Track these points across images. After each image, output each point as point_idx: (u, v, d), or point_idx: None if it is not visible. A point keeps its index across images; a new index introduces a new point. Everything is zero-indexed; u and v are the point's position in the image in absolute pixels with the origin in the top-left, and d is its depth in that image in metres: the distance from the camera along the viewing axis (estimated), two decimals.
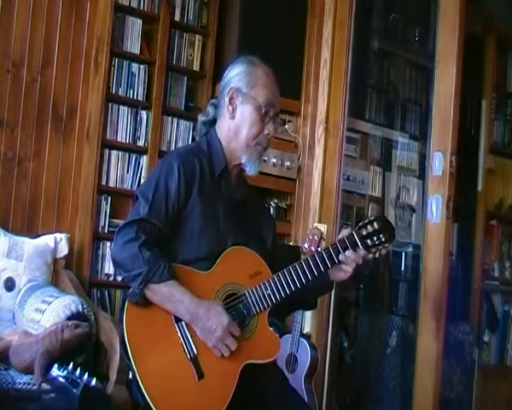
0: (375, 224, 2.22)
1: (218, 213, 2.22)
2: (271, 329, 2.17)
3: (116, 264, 2.15)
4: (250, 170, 2.28)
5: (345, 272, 2.22)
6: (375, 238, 2.21)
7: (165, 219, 2.15)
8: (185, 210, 2.17)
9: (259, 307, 2.14)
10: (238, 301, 2.15)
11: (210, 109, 2.38)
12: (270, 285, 2.15)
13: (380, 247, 2.22)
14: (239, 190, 2.33)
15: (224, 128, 2.30)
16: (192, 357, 2.06)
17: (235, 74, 2.29)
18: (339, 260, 2.20)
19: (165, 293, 2.08)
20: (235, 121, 2.27)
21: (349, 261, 2.19)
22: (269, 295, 2.15)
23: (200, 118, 2.40)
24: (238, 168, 2.31)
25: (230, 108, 2.27)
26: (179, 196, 2.16)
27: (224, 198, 2.26)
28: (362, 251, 2.20)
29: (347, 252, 2.19)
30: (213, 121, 2.36)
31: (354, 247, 2.19)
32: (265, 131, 2.27)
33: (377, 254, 2.23)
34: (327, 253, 2.19)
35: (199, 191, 2.19)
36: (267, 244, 2.35)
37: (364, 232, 2.21)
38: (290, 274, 2.17)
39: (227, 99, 2.27)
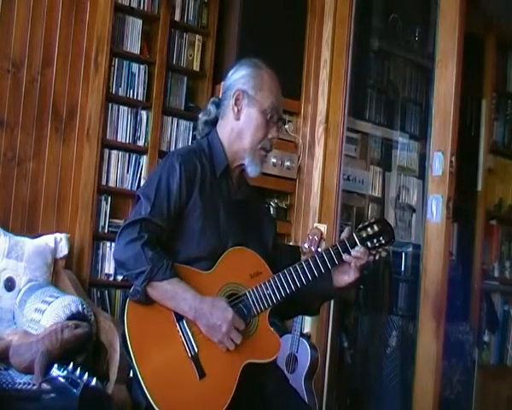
0: (376, 226, 2.23)
1: (219, 212, 2.23)
2: (272, 329, 2.17)
3: (119, 263, 2.15)
4: (251, 172, 2.29)
5: (349, 275, 2.22)
6: (375, 240, 2.22)
7: (168, 218, 2.15)
8: (186, 209, 2.18)
9: (260, 307, 2.15)
10: (239, 301, 2.15)
11: (212, 108, 2.37)
12: (271, 285, 2.16)
13: (380, 249, 2.23)
14: (240, 191, 2.33)
15: (226, 129, 2.30)
16: (193, 356, 2.07)
17: (241, 76, 2.29)
18: (339, 261, 2.21)
19: (168, 290, 2.08)
20: (240, 123, 2.27)
21: (358, 257, 2.18)
22: (269, 295, 2.15)
23: (202, 117, 2.39)
24: (240, 169, 2.32)
25: (236, 109, 2.27)
26: (181, 194, 2.17)
27: (225, 198, 2.26)
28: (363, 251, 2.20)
29: (356, 248, 2.19)
30: (215, 121, 2.35)
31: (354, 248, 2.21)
32: (269, 136, 2.28)
33: (377, 257, 2.24)
34: (327, 254, 2.20)
35: (200, 191, 2.19)
36: (268, 245, 2.36)
37: (365, 234, 2.22)
38: (290, 274, 2.17)
39: (233, 100, 2.27)
